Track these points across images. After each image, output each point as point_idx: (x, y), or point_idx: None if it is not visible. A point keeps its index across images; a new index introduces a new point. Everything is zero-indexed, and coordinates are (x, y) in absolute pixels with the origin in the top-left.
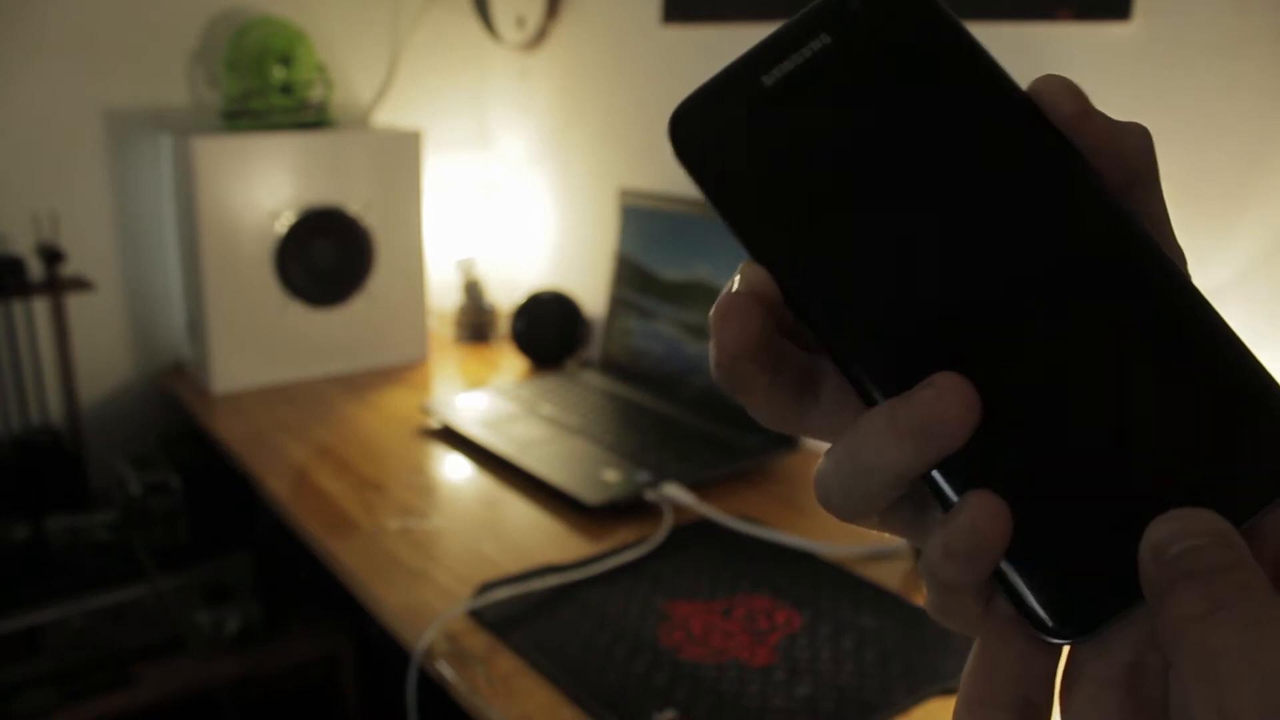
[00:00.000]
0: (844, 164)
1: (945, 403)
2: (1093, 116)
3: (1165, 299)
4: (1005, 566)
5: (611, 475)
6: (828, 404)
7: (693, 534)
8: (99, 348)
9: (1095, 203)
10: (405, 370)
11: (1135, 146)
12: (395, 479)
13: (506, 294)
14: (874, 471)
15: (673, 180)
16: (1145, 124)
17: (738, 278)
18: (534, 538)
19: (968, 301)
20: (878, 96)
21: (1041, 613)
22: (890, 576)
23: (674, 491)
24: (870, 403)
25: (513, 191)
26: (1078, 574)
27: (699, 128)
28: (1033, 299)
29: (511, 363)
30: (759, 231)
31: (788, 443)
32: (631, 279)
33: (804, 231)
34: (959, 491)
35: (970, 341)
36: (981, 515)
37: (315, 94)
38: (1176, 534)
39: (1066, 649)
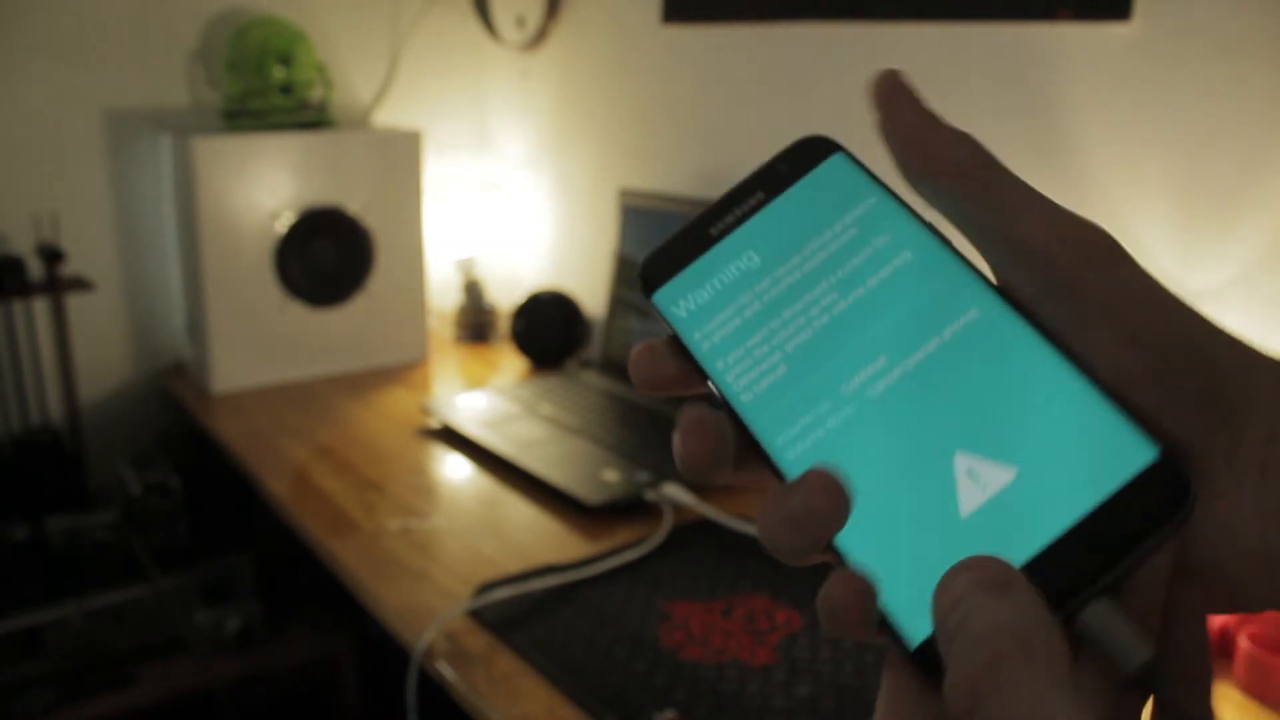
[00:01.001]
0: (773, 302)
1: (816, 497)
2: (929, 128)
3: (1018, 364)
4: (889, 619)
5: (611, 475)
6: None
7: (693, 534)
8: (99, 348)
9: (992, 315)
10: (405, 370)
11: (967, 150)
12: (395, 479)
13: (506, 294)
14: (780, 547)
15: (673, 180)
16: (1145, 124)
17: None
18: (534, 538)
19: (862, 407)
20: (799, 243)
21: (927, 659)
22: None
23: (674, 491)
24: None
25: (513, 192)
26: None
27: (663, 272)
28: (922, 401)
29: (511, 363)
30: (711, 356)
31: None
32: (631, 279)
33: (740, 357)
34: (847, 557)
35: (859, 436)
36: (840, 593)
37: (315, 94)
38: (952, 590)
39: None
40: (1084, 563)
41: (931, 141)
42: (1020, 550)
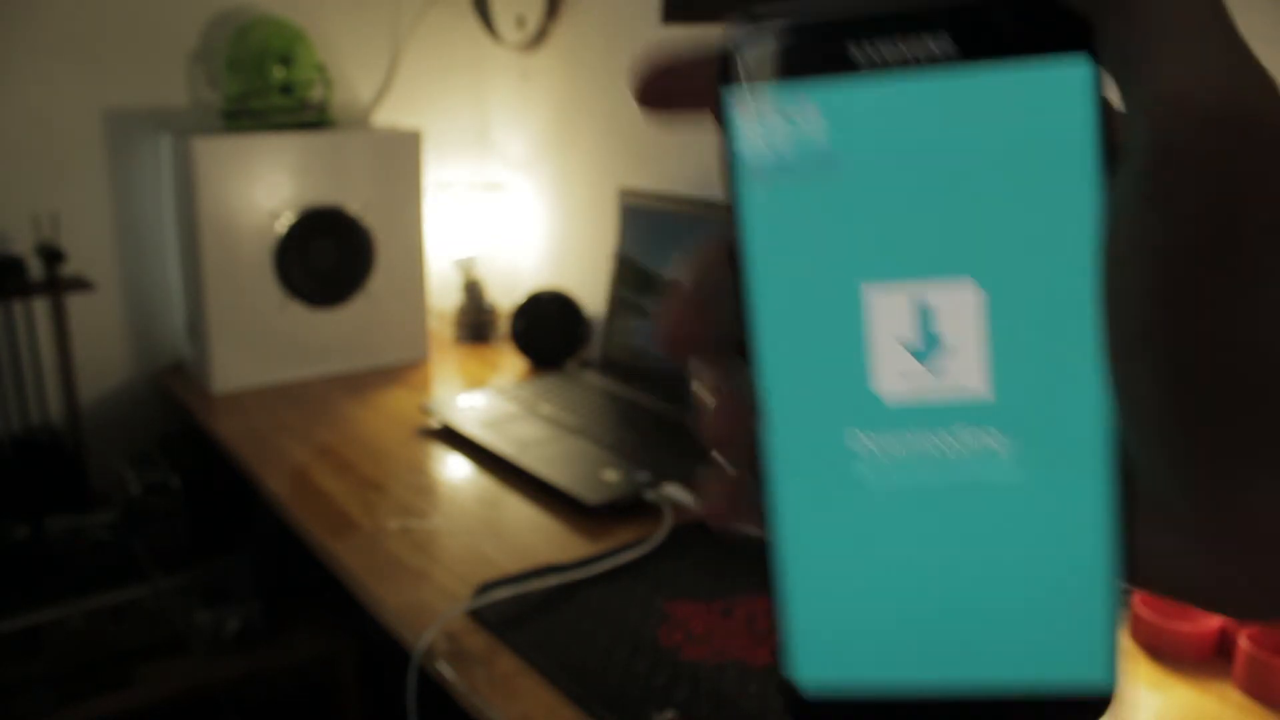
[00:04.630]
0: (872, 228)
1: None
2: None
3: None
4: (788, 653)
5: (611, 475)
6: None
7: (693, 534)
8: (99, 348)
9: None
10: (405, 370)
11: None
12: (395, 479)
13: (506, 294)
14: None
15: (673, 180)
16: None
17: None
18: (534, 538)
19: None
20: (956, 167)
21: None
22: None
23: (674, 491)
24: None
25: (513, 191)
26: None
27: (761, 63)
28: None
29: (511, 363)
30: (758, 236)
31: None
32: (631, 279)
33: (788, 269)
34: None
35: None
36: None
37: (315, 94)
38: None
39: None
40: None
41: None
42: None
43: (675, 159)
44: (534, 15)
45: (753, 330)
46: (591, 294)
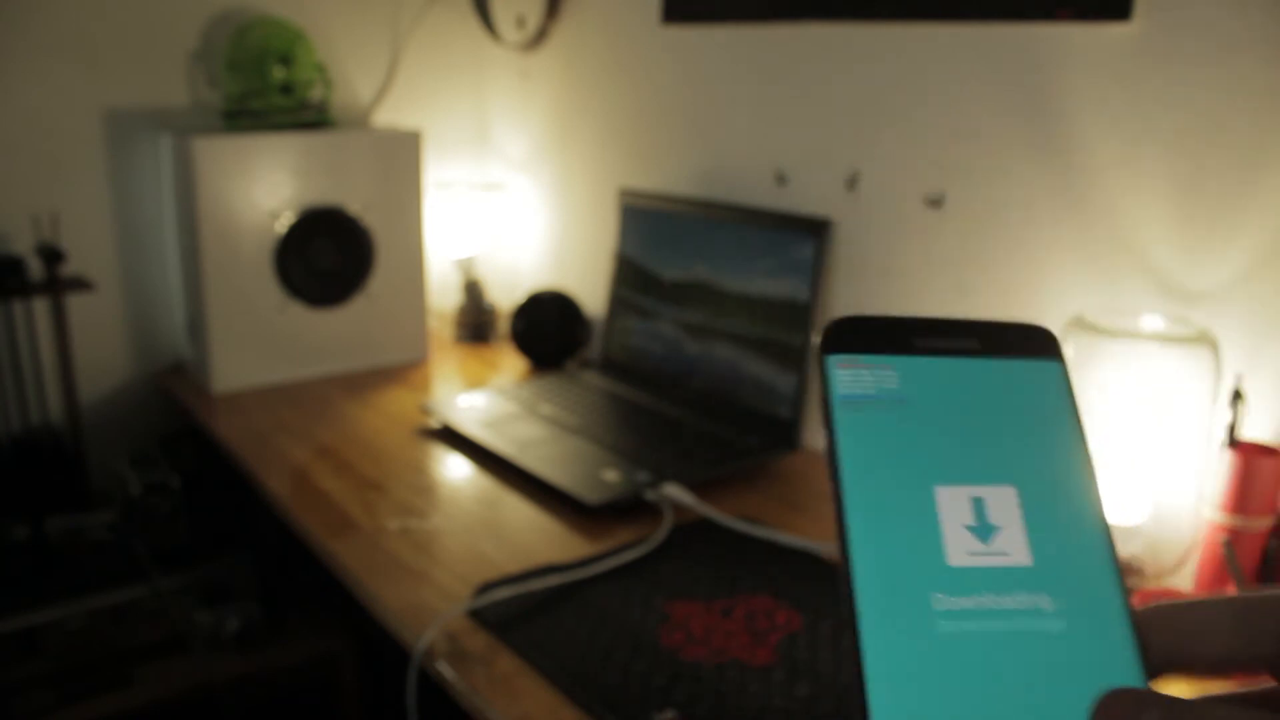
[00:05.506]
0: (923, 452)
1: None
2: None
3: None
4: None
5: (611, 475)
6: None
7: (693, 534)
8: (99, 348)
9: None
10: (405, 370)
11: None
12: (395, 479)
13: (506, 294)
14: None
15: (673, 180)
16: (1145, 124)
17: None
18: (534, 538)
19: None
20: (976, 416)
21: None
22: None
23: (674, 491)
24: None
25: (513, 191)
26: None
27: (848, 342)
28: None
29: (511, 363)
30: (847, 450)
31: (788, 443)
32: (631, 279)
33: (869, 470)
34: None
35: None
36: None
37: (315, 94)
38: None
39: None
40: None
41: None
42: None
43: (675, 159)
44: (534, 15)
45: (844, 519)
46: (591, 294)
